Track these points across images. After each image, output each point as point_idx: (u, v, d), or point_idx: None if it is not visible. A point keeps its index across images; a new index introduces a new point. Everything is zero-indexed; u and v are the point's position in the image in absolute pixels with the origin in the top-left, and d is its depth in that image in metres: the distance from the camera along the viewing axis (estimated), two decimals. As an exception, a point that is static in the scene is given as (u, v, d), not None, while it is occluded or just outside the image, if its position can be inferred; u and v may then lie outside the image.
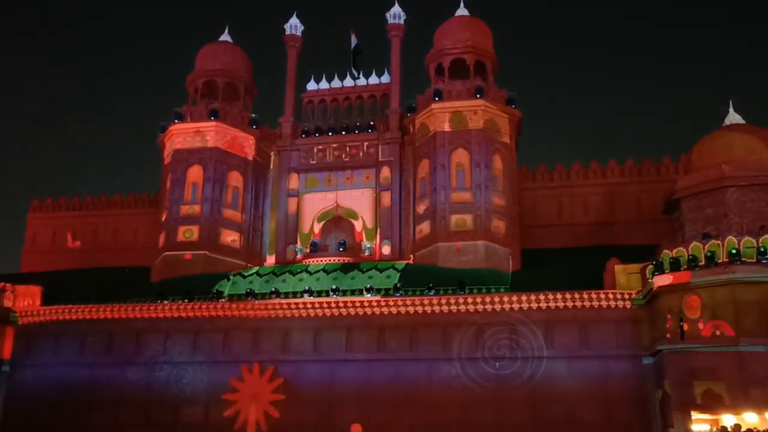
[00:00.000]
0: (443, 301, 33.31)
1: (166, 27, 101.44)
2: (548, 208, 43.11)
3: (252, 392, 33.05)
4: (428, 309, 33.36)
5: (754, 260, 27.98)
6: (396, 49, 45.03)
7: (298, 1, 54.98)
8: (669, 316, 29.29)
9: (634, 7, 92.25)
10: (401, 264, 37.96)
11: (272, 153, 44.86)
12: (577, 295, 32.16)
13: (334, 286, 35.38)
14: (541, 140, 74.54)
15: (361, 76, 46.20)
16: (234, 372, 33.64)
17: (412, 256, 39.65)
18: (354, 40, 46.82)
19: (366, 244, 41.37)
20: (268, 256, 43.00)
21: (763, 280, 27.67)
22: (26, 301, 37.24)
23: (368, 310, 33.84)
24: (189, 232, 40.63)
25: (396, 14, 45.54)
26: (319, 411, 32.78)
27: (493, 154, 39.35)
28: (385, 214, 41.92)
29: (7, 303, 36.58)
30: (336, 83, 46.15)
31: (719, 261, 28.42)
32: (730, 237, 28.71)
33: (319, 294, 35.26)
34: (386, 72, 45.46)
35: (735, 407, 27.14)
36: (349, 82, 46.08)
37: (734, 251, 28.16)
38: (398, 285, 35.03)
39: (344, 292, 35.11)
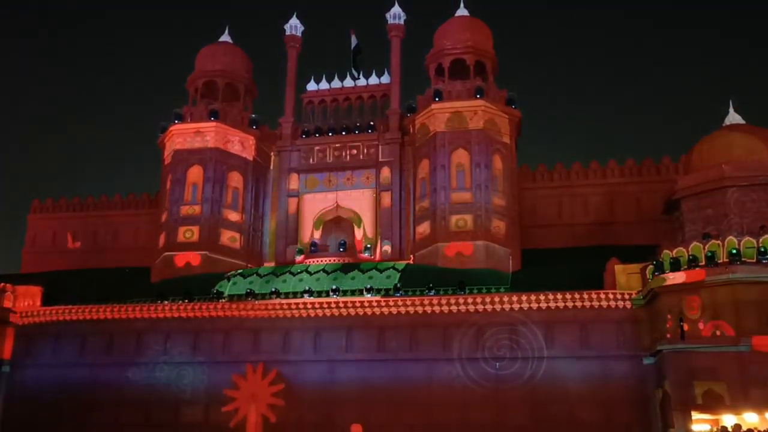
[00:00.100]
0: (443, 301, 33.31)
1: (166, 27, 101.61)
2: (548, 208, 43.10)
3: (251, 392, 33.03)
4: (428, 309, 33.36)
5: (755, 260, 28.02)
6: (396, 49, 45.04)
7: (298, 1, 55.09)
8: (669, 316, 29.29)
9: (634, 7, 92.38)
10: (401, 264, 37.95)
11: (272, 153, 44.87)
12: (577, 295, 32.16)
13: (334, 287, 35.39)
14: (541, 140, 74.56)
15: (361, 76, 46.21)
16: (234, 372, 33.61)
17: (412, 256, 39.64)
18: (354, 41, 46.83)
19: (366, 244, 41.33)
20: (268, 257, 42.99)
21: (763, 280, 27.69)
22: (26, 301, 37.24)
23: (368, 311, 33.84)
24: (189, 233, 40.65)
25: (396, 14, 45.55)
26: (319, 411, 32.78)
27: (493, 155, 39.35)
28: (385, 215, 41.92)
29: (8, 303, 36.59)
30: (336, 83, 46.16)
31: (719, 261, 28.43)
32: (731, 237, 28.74)
33: (320, 294, 35.27)
34: (386, 72, 45.47)
35: (735, 407, 27.15)
36: (349, 82, 46.08)
37: (734, 251, 28.18)
38: (398, 285, 35.03)
39: (344, 293, 35.12)
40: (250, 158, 43.46)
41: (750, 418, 27.29)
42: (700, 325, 28.33)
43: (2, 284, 36.78)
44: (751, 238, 28.42)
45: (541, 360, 31.58)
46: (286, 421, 32.77)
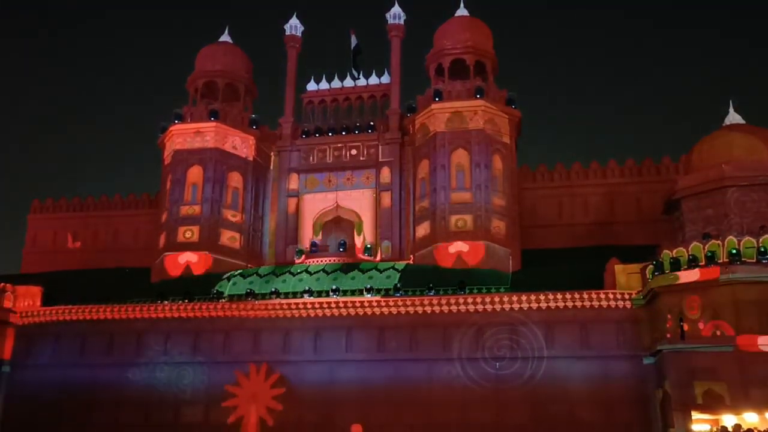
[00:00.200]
0: (443, 301, 33.31)
1: (166, 27, 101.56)
2: (548, 208, 43.09)
3: (253, 392, 33.04)
4: (428, 309, 33.37)
5: (755, 260, 28.01)
6: (396, 49, 45.04)
7: (298, 1, 55.08)
8: (669, 316, 29.29)
9: (634, 7, 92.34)
10: (401, 264, 37.96)
11: (272, 153, 44.86)
12: (577, 295, 32.17)
13: (334, 287, 35.39)
14: (541, 140, 74.55)
15: (361, 76, 46.19)
16: (234, 372, 33.62)
17: (412, 256, 39.64)
18: (354, 41, 46.82)
19: (366, 244, 41.32)
20: (268, 257, 42.99)
21: (763, 280, 27.68)
22: (27, 301, 37.26)
23: (368, 311, 33.84)
24: (189, 233, 40.64)
25: (396, 14, 45.55)
26: (319, 411, 32.78)
27: (493, 155, 39.35)
28: (385, 215, 41.91)
29: (8, 303, 36.60)
30: (336, 83, 46.15)
31: (719, 261, 28.42)
32: (731, 237, 28.74)
33: (320, 294, 35.27)
34: (386, 72, 45.46)
35: (735, 407, 27.15)
36: (349, 82, 46.07)
37: (734, 251, 28.18)
38: (398, 285, 35.03)
39: (344, 293, 35.12)
40: (250, 158, 43.44)
41: (750, 418, 27.30)
42: (700, 325, 28.33)
43: (2, 284, 36.80)
44: (751, 238, 28.42)
45: (541, 360, 31.59)
46: (286, 421, 32.78)
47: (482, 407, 31.57)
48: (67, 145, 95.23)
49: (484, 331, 32.45)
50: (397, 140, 42.98)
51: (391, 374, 32.85)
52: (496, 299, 32.80)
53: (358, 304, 33.97)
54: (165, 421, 33.90)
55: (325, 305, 34.16)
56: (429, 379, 32.50)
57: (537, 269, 36.30)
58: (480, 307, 32.82)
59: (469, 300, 33.05)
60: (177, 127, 42.79)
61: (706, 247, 29.02)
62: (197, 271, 39.63)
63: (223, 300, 36.13)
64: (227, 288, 37.18)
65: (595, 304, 31.98)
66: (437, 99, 40.21)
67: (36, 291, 37.70)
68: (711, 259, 28.64)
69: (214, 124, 42.49)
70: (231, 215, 41.78)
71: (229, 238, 41.38)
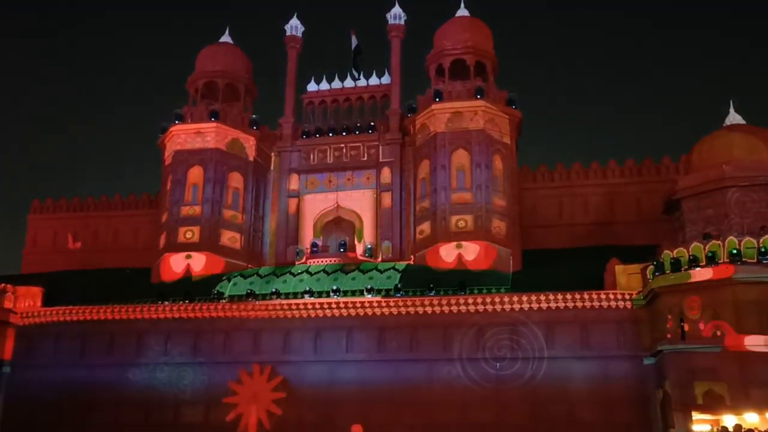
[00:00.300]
0: (444, 301, 33.32)
1: (166, 27, 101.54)
2: (549, 208, 43.09)
3: (254, 392, 33.06)
4: (429, 309, 33.38)
5: (755, 260, 28.02)
6: (396, 49, 45.04)
7: (298, 1, 55.07)
8: (669, 317, 29.30)
9: (634, 7, 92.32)
10: (402, 264, 37.97)
11: (273, 154, 44.86)
12: (577, 296, 32.18)
13: (334, 287, 35.40)
14: (541, 140, 74.54)
15: (361, 76, 46.20)
16: (234, 373, 33.65)
17: (412, 256, 39.64)
18: (354, 41, 46.84)
19: (366, 244, 41.32)
20: (268, 257, 42.99)
21: (763, 280, 27.69)
22: (27, 302, 37.25)
23: (369, 311, 33.85)
24: (189, 233, 40.64)
25: (396, 15, 45.55)
26: (320, 411, 32.79)
27: (493, 155, 39.35)
28: (386, 215, 41.92)
29: (8, 304, 36.59)
30: (336, 84, 46.16)
31: (720, 261, 28.42)
32: (731, 237, 28.75)
33: (320, 295, 35.29)
34: (386, 73, 45.47)
35: (736, 408, 27.14)
36: (349, 82, 46.09)
37: (735, 251, 28.18)
38: (399, 285, 35.05)
39: (345, 293, 35.14)
40: (251, 159, 43.44)
41: (751, 418, 27.29)
42: (701, 326, 28.30)
43: (3, 285, 36.80)
44: (751, 239, 28.43)
45: (542, 360, 31.61)
46: (287, 422, 32.79)
47: (482, 407, 31.58)
48: (67, 145, 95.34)
49: (484, 332, 32.46)
50: (398, 140, 42.99)
51: (392, 374, 32.87)
52: (497, 299, 32.82)
53: (358, 305, 33.98)
54: (165, 422, 33.91)
55: (325, 306, 34.17)
56: (429, 379, 32.51)
57: (537, 269, 36.31)
58: (480, 308, 32.83)
59: (470, 300, 33.06)
60: (177, 128, 42.79)
61: (706, 248, 29.02)
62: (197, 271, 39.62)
63: (224, 300, 36.15)
64: (228, 288, 37.19)
65: (596, 304, 31.99)
66: (438, 99, 40.21)
67: (36, 291, 37.70)
68: (711, 259, 28.64)
69: (214, 124, 42.49)
70: (231, 216, 41.78)
71: (229, 238, 41.38)
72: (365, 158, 43.34)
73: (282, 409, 32.85)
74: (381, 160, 43.07)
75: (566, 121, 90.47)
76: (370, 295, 34.50)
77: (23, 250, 48.92)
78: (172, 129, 42.94)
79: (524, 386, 31.45)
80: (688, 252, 29.44)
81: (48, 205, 49.61)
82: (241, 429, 32.93)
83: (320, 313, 34.15)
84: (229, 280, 37.92)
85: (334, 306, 34.09)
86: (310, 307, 34.33)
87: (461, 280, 34.46)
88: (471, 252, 37.34)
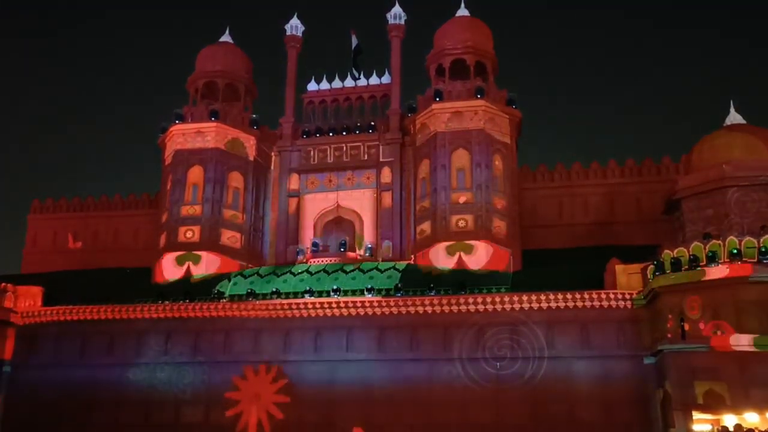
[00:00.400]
0: (444, 301, 33.33)
1: (166, 27, 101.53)
2: (549, 208, 43.08)
3: (254, 392, 33.08)
4: (429, 309, 33.41)
5: (755, 260, 27.99)
6: (396, 49, 45.04)
7: (298, 1, 55.08)
8: (670, 316, 29.32)
9: (634, 7, 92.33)
10: (402, 264, 37.97)
11: (273, 153, 44.86)
12: (578, 296, 32.21)
13: (334, 287, 35.40)
14: (541, 140, 74.58)
15: (361, 76, 46.18)
16: (234, 372, 33.67)
17: (412, 256, 39.64)
18: (354, 41, 46.85)
19: (367, 244, 41.34)
20: (268, 257, 42.99)
21: (763, 280, 27.68)
22: (27, 301, 37.30)
23: (369, 311, 33.89)
24: (190, 233, 40.63)
25: (396, 15, 45.54)
26: (320, 411, 32.83)
27: (493, 155, 39.34)
28: (386, 215, 41.91)
29: (9, 304, 36.63)
30: (336, 84, 46.14)
31: (720, 261, 28.42)
32: (731, 237, 28.76)
33: (320, 294, 35.28)
34: (387, 72, 45.47)
35: (736, 407, 27.18)
36: (349, 82, 46.07)
37: (735, 251, 28.18)
38: (399, 285, 35.05)
39: (345, 293, 35.13)
40: (251, 158, 43.41)
41: (751, 418, 27.32)
42: (701, 325, 28.34)
43: (3, 284, 36.85)
44: (751, 238, 28.43)
45: (542, 360, 31.65)
46: (287, 421, 32.81)
47: (483, 407, 31.62)
48: (67, 145, 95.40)
49: (484, 331, 32.50)
50: (398, 140, 42.98)
51: (392, 374, 32.92)
52: (497, 299, 32.84)
53: (358, 304, 34.02)
54: (165, 421, 33.96)
55: (325, 305, 34.20)
56: (429, 379, 32.54)
57: (537, 269, 36.30)
58: (480, 308, 32.86)
59: (470, 300, 33.09)
60: (177, 127, 42.78)
61: (707, 247, 29.03)
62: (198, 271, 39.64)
63: (224, 300, 36.16)
64: (228, 288, 37.19)
65: (596, 304, 32.02)
66: (438, 99, 40.21)
67: (37, 291, 37.75)
68: (712, 259, 28.63)
69: (214, 124, 42.47)
70: (231, 215, 41.76)
71: (229, 238, 41.37)
72: (365, 158, 43.33)
73: (282, 409, 32.86)
74: (381, 159, 43.06)
75: (566, 121, 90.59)
76: (370, 295, 34.51)
77: (23, 250, 48.93)
78: (172, 129, 42.94)
79: (524, 386, 31.48)
80: (688, 252, 29.46)
81: (48, 205, 49.61)
82: (241, 428, 32.95)
83: (320, 312, 34.17)
84: (230, 280, 37.93)
85: (334, 305, 34.12)
86: (310, 306, 34.35)
87: (461, 279, 34.46)
88: (471, 252, 37.32)
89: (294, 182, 44.02)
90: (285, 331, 34.50)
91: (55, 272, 43.81)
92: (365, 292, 34.74)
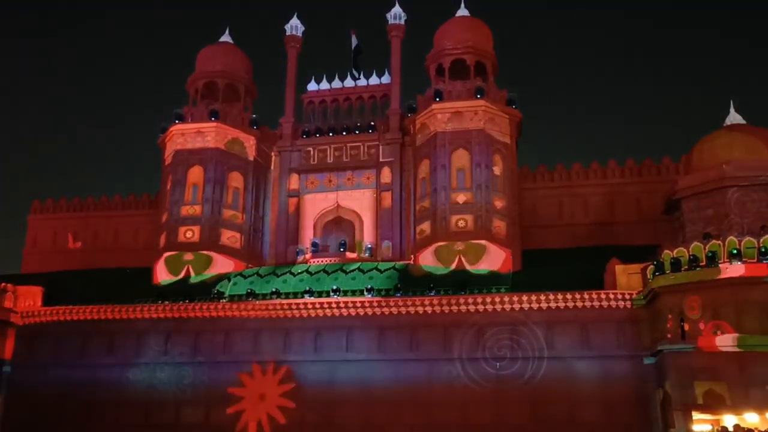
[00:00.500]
0: (444, 301, 33.33)
1: (166, 27, 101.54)
2: (549, 208, 43.06)
3: (259, 392, 33.09)
4: (429, 309, 33.41)
5: (756, 260, 27.98)
6: (396, 49, 45.03)
7: (298, 1, 55.05)
8: (670, 316, 29.32)
9: (634, 7, 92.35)
10: (402, 264, 37.98)
11: (273, 153, 44.85)
12: (577, 296, 32.21)
13: (334, 287, 35.40)
14: (541, 140, 74.56)
15: (361, 76, 46.17)
16: (234, 372, 33.67)
17: (412, 256, 39.64)
18: (354, 41, 46.84)
19: (366, 244, 41.34)
20: (268, 257, 42.99)
21: (764, 280, 27.66)
22: (27, 301, 37.30)
23: (369, 311, 33.89)
24: (189, 233, 40.63)
25: (396, 15, 45.53)
26: (320, 411, 32.83)
27: (493, 155, 39.34)
28: (386, 215, 41.90)
29: (9, 304, 36.64)
30: (336, 84, 46.12)
31: (720, 261, 28.42)
32: (731, 237, 28.75)
33: (320, 294, 35.28)
34: (386, 72, 45.45)
35: (736, 407, 27.19)
36: (349, 82, 46.05)
37: (735, 251, 28.17)
38: (399, 285, 35.05)
39: (345, 293, 35.13)
40: (251, 158, 43.40)
41: (751, 418, 27.33)
42: (701, 325, 28.34)
43: (3, 284, 36.85)
44: (751, 238, 28.43)
45: (542, 360, 31.66)
46: (287, 421, 32.79)
47: (483, 407, 31.63)
48: (67, 145, 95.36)
49: (484, 332, 32.50)
50: (398, 140, 42.98)
51: (392, 374, 32.92)
52: (497, 299, 32.84)
53: (358, 304, 34.02)
54: (165, 421, 33.97)
55: (325, 305, 34.20)
56: (429, 379, 32.55)
57: (537, 270, 36.28)
58: (480, 308, 32.86)
59: (470, 300, 33.09)
60: (177, 127, 42.78)
61: (707, 247, 29.02)
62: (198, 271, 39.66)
63: (224, 300, 36.17)
64: (228, 288, 37.20)
65: (596, 304, 32.02)
66: (438, 99, 40.20)
67: (37, 291, 37.75)
68: (712, 259, 28.62)
69: (214, 124, 42.47)
70: (231, 215, 41.76)
71: (229, 238, 41.37)
72: (365, 158, 43.32)
73: (282, 410, 32.86)
74: (381, 159, 43.05)
75: (566, 121, 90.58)
76: (370, 295, 34.51)
77: (23, 250, 48.92)
78: (172, 129, 42.93)
79: (524, 386, 31.49)
80: (688, 252, 29.45)
81: (48, 205, 49.61)
82: (240, 427, 32.95)
83: (320, 312, 34.18)
84: (229, 280, 37.93)
85: (334, 306, 34.12)
86: (310, 306, 34.35)
87: (461, 280, 34.44)
88: (471, 252, 37.30)
89: (294, 182, 44.01)
90: (285, 332, 34.51)
91: (55, 272, 43.80)
92: (365, 292, 34.74)
